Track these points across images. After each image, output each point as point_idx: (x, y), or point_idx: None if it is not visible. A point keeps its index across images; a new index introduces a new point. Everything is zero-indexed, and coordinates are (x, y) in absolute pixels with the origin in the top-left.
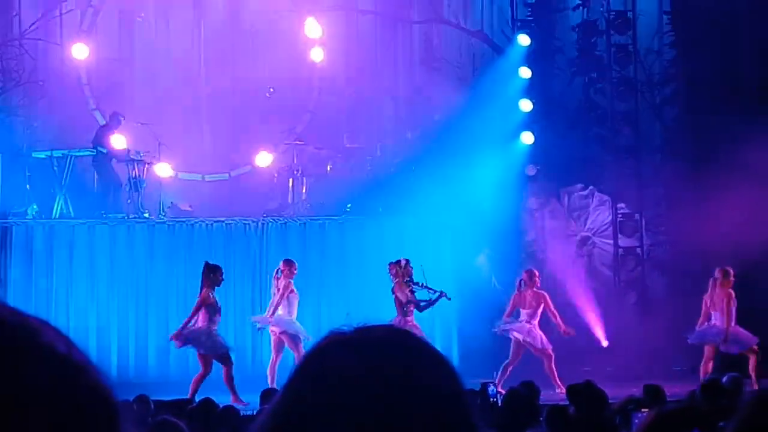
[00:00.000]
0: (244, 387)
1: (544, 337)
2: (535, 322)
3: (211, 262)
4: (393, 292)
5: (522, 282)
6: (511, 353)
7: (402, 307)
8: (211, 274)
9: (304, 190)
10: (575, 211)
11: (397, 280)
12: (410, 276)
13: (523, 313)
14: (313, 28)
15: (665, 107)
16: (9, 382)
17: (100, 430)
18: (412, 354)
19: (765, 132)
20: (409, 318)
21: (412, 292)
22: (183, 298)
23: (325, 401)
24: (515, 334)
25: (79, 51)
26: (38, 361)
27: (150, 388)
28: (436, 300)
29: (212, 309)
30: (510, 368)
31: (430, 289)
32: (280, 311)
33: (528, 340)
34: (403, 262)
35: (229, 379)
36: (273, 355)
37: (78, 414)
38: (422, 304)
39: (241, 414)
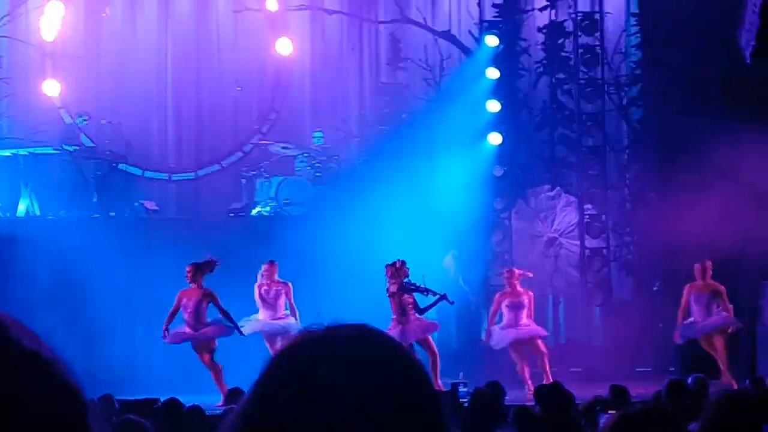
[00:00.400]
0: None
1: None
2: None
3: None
4: (388, 294)
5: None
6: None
7: (399, 309)
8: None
9: (270, 189)
10: (542, 212)
11: (394, 281)
12: (407, 277)
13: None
14: (281, 25)
15: (632, 108)
16: None
17: (69, 426)
18: (381, 353)
19: (730, 133)
20: (409, 319)
21: (410, 294)
22: (149, 296)
23: (294, 401)
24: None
25: (45, 49)
26: (6, 357)
27: (116, 387)
28: (437, 302)
29: None
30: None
31: (430, 291)
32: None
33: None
34: (398, 264)
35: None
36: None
37: (46, 409)
38: (422, 306)
39: (208, 413)
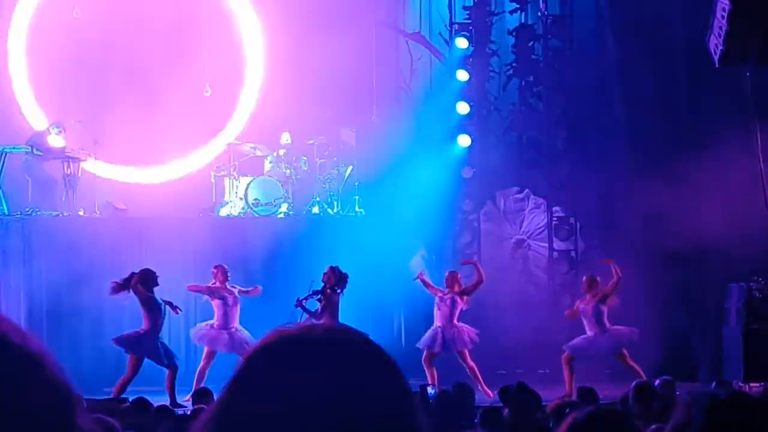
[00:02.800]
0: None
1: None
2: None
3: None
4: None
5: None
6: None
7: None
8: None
9: (240, 189)
10: (510, 214)
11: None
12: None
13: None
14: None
15: (601, 111)
16: None
17: (58, 420)
18: (357, 353)
19: (697, 136)
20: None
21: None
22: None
23: (269, 400)
24: None
25: (14, 47)
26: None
27: (85, 387)
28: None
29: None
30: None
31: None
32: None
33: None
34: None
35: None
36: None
37: (38, 405)
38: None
39: (177, 414)
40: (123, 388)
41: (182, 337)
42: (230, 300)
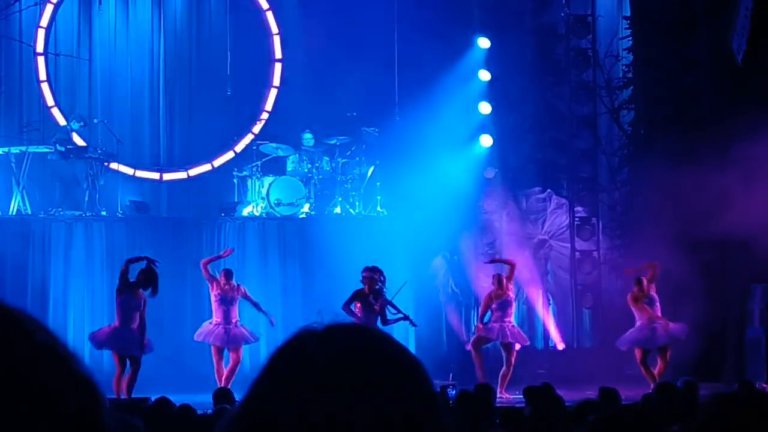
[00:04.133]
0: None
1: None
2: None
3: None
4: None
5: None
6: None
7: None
8: None
9: (262, 189)
10: (533, 214)
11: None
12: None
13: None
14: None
15: (623, 111)
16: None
17: (88, 421)
18: (384, 352)
19: (717, 138)
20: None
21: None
22: None
23: (295, 398)
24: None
25: (38, 47)
26: (23, 350)
27: (106, 387)
28: (399, 320)
29: None
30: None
31: (396, 308)
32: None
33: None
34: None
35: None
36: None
37: (66, 403)
38: (389, 317)
39: (198, 413)
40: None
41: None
42: (231, 297)
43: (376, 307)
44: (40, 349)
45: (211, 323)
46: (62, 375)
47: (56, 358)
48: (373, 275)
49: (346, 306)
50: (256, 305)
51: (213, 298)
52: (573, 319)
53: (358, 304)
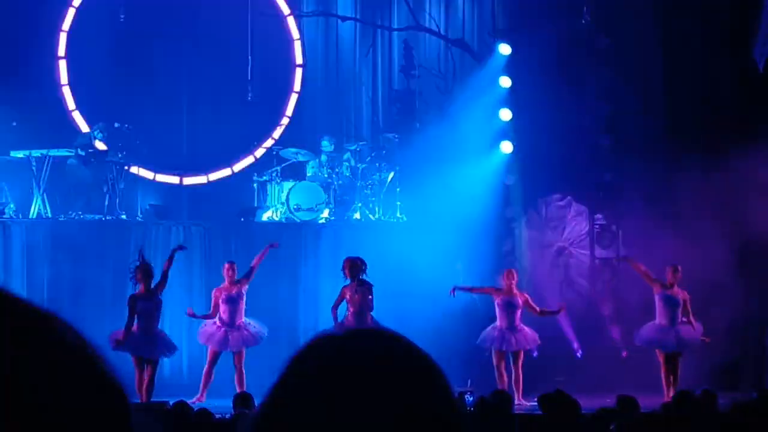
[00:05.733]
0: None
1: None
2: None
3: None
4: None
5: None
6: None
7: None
8: None
9: (282, 194)
10: (552, 221)
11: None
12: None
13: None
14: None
15: (644, 117)
16: (26, 373)
17: (115, 423)
18: (403, 356)
19: (742, 144)
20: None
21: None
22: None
23: (313, 403)
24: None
25: (60, 51)
26: (52, 352)
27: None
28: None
29: None
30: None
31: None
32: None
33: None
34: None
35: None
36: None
37: (94, 406)
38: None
39: (216, 417)
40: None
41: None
42: (236, 296)
43: (357, 296)
44: (69, 350)
45: (214, 324)
46: (91, 377)
47: (86, 360)
48: (355, 262)
49: (335, 308)
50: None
51: (222, 298)
52: (592, 326)
53: (348, 297)
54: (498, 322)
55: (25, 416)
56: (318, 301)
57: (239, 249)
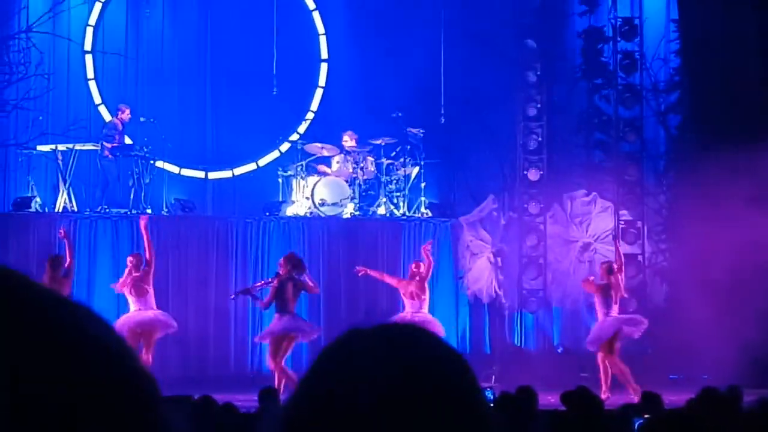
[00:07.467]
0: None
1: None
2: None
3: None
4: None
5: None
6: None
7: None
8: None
9: (306, 189)
10: (577, 217)
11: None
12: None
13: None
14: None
15: (670, 115)
16: (58, 366)
17: (146, 417)
18: (431, 351)
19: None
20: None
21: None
22: (184, 294)
23: (341, 398)
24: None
25: (86, 45)
26: (83, 343)
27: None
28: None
29: None
30: None
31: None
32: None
33: None
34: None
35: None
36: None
37: (125, 398)
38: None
39: (241, 411)
40: None
41: (248, 330)
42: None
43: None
44: (100, 342)
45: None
46: (122, 368)
47: (121, 354)
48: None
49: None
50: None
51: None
52: None
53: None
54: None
55: (59, 410)
56: (344, 296)
57: (263, 244)
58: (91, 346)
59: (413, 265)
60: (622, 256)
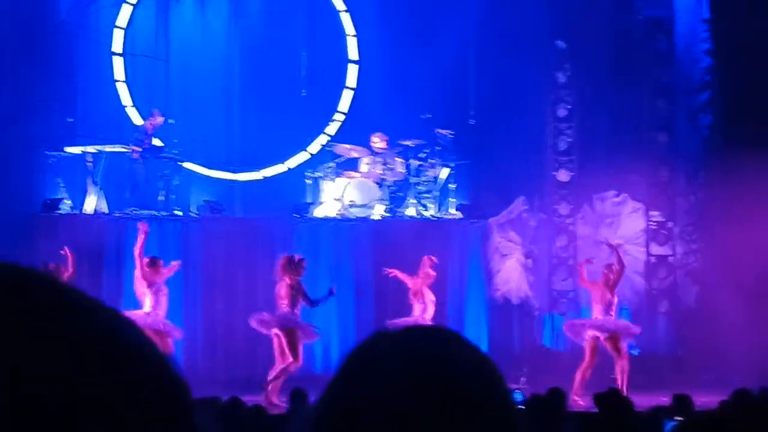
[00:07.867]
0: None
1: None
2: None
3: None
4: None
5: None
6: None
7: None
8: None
9: (336, 191)
10: (607, 217)
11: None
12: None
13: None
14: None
15: (701, 115)
16: (92, 370)
17: (179, 419)
18: (460, 355)
19: None
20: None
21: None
22: (211, 295)
23: (369, 400)
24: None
25: (115, 47)
26: (118, 347)
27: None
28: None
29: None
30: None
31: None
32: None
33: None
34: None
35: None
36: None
37: (159, 402)
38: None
39: (270, 414)
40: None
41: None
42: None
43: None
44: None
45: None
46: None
47: (148, 357)
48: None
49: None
50: None
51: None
52: (648, 324)
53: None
54: None
55: (99, 415)
56: (374, 298)
57: (293, 245)
58: (121, 349)
59: (428, 263)
60: (623, 261)
